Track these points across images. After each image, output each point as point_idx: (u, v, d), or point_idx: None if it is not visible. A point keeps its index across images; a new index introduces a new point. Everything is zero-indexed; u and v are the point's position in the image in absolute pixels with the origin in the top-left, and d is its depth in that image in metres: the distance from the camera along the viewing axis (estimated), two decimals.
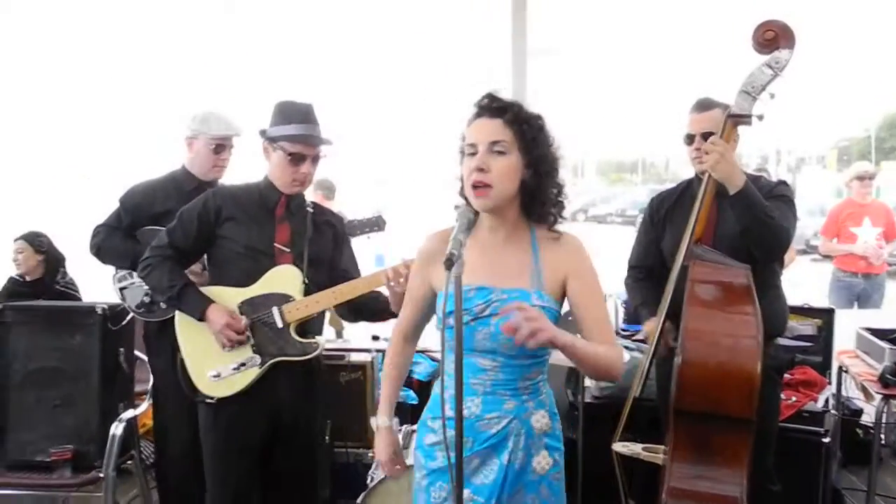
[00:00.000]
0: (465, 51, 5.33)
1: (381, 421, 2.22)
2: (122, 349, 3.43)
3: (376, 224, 3.56)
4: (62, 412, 3.34)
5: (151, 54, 5.39)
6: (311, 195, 6.32)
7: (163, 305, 3.26)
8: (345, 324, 4.11)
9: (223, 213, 2.83)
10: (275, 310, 2.79)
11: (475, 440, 1.98)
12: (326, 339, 4.02)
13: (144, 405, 3.60)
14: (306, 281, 2.81)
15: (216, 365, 2.80)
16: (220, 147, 3.42)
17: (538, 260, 2.01)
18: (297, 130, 2.80)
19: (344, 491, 3.75)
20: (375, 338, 3.97)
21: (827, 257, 6.78)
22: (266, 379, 2.80)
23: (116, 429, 3.26)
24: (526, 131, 1.97)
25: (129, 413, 3.38)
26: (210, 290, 2.85)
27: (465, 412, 1.83)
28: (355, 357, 4.06)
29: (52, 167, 5.58)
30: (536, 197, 2.00)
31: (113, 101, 5.58)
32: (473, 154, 1.95)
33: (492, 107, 1.98)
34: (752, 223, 2.73)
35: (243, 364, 2.79)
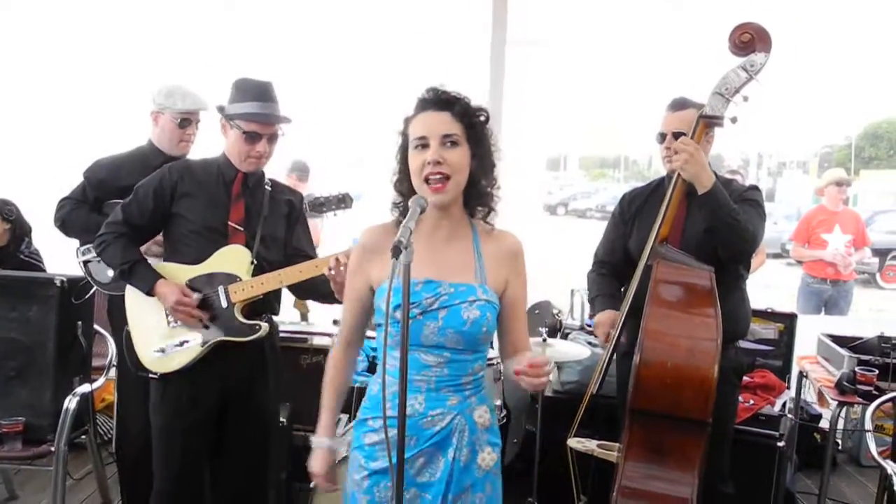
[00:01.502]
0: (444, 38, 5.28)
1: (319, 442, 2.12)
2: (80, 323, 3.38)
3: (343, 201, 3.52)
4: (16, 384, 3.30)
5: (128, 29, 5.31)
6: (284, 177, 6.32)
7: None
8: (310, 307, 4.08)
9: (179, 188, 2.81)
10: (220, 289, 2.78)
11: (419, 438, 1.94)
12: (290, 321, 4.03)
13: (101, 380, 3.56)
14: (254, 261, 2.80)
15: (161, 341, 2.81)
16: (186, 122, 3.39)
17: (480, 255, 2.01)
18: (253, 108, 2.78)
19: (301, 474, 3.71)
20: (337, 322, 3.93)
21: (799, 262, 6.84)
22: (214, 358, 2.79)
23: (70, 403, 3.22)
24: (475, 124, 1.97)
25: (84, 387, 3.34)
26: (161, 267, 2.85)
27: (408, 410, 1.79)
28: (317, 340, 4.03)
29: (19, 137, 5.47)
30: (479, 190, 2.00)
31: (82, 73, 5.49)
32: (424, 146, 1.92)
33: (439, 99, 1.96)
34: (719, 224, 2.73)
35: (186, 341, 2.79)
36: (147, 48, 5.32)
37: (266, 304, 2.87)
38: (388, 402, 1.78)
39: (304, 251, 2.97)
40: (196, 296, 2.77)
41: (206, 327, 2.78)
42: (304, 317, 4.18)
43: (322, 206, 3.55)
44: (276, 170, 6.37)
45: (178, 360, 2.79)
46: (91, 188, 3.38)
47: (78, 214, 3.37)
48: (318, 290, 2.85)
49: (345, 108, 6.54)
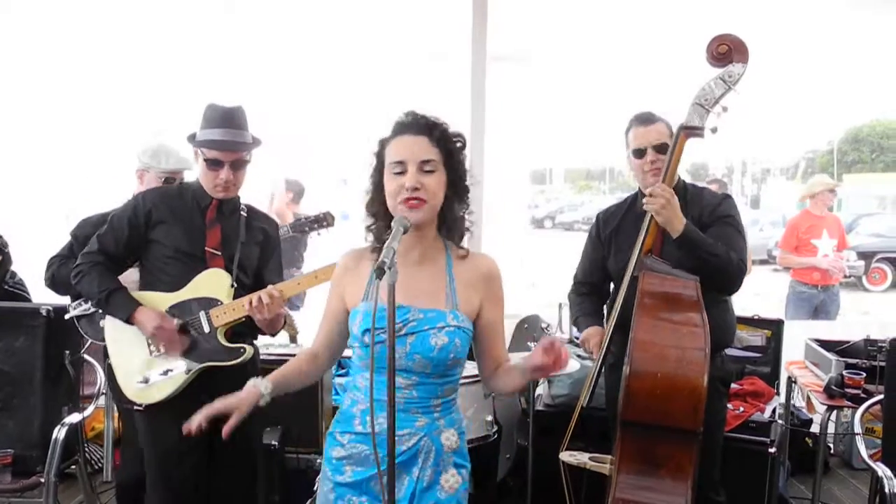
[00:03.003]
0: (426, 56, 5.32)
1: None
2: (67, 352, 3.35)
3: (324, 220, 3.56)
4: (3, 415, 3.27)
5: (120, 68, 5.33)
6: (280, 197, 6.30)
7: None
8: (299, 328, 4.07)
9: (153, 216, 2.79)
10: (202, 314, 2.76)
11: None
12: (279, 343, 4.02)
13: (90, 409, 3.53)
14: (234, 284, 2.79)
15: (144, 371, 2.77)
16: (171, 181, 3.40)
17: (453, 280, 2.02)
18: (214, 135, 2.77)
19: (295, 497, 3.71)
20: None
21: (786, 269, 6.86)
22: (199, 385, 2.74)
23: (59, 433, 3.19)
24: (452, 150, 1.99)
25: (74, 417, 3.31)
26: (139, 296, 2.80)
27: (377, 428, 1.80)
28: None
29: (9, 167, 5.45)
30: (454, 215, 2.02)
31: (74, 92, 5.48)
32: (402, 172, 1.93)
33: (418, 124, 1.97)
34: (699, 263, 2.74)
35: (170, 370, 2.75)
36: (143, 65, 5.33)
37: (248, 328, 2.84)
38: (358, 419, 1.94)
39: (273, 283, 2.89)
40: (176, 321, 2.73)
41: (188, 354, 2.75)
42: (293, 339, 4.16)
43: (304, 226, 3.58)
44: (264, 189, 6.37)
45: (162, 389, 2.75)
46: (78, 245, 3.34)
47: (66, 271, 3.32)
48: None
49: (330, 126, 6.56)
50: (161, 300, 2.78)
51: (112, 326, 2.83)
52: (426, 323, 1.94)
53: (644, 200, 2.79)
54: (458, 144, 2.02)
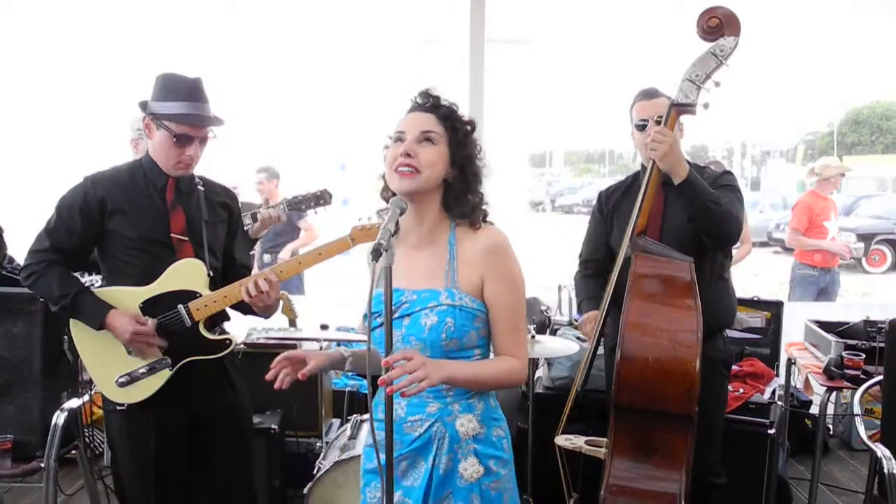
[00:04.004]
0: (424, 37, 5.30)
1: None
2: (65, 337, 3.34)
3: (321, 198, 3.45)
4: (3, 401, 3.26)
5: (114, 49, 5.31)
6: (254, 177, 6.22)
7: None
8: (297, 312, 4.07)
9: (108, 204, 2.57)
10: (181, 308, 2.60)
11: (402, 442, 1.94)
12: (278, 327, 4.02)
13: (90, 394, 3.52)
14: (211, 273, 2.65)
15: (123, 368, 2.60)
16: None
17: (454, 257, 1.96)
18: (183, 109, 2.55)
19: (294, 480, 3.72)
20: (324, 327, 3.93)
21: (789, 250, 6.82)
22: (178, 378, 2.63)
23: (58, 418, 3.17)
24: (458, 129, 1.97)
25: (73, 402, 3.30)
26: (107, 293, 2.61)
27: (398, 414, 1.81)
28: (306, 346, 4.03)
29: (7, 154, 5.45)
30: (461, 200, 1.97)
31: (72, 82, 5.47)
32: (400, 140, 1.92)
33: (427, 102, 1.98)
34: (700, 211, 2.72)
35: (153, 367, 2.60)
36: (141, 56, 5.31)
37: (220, 314, 2.72)
38: (380, 406, 1.83)
39: (242, 261, 2.86)
40: (151, 322, 2.57)
41: (169, 349, 2.61)
42: (292, 322, 4.16)
43: (300, 203, 3.50)
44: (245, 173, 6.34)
45: (147, 386, 2.60)
46: None
47: None
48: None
49: (328, 112, 6.55)
50: (132, 296, 2.59)
51: (79, 326, 2.63)
52: (418, 304, 1.91)
53: (648, 146, 2.74)
54: (467, 127, 2.00)
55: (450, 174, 1.95)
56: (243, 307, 2.70)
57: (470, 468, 1.93)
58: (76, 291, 2.58)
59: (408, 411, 1.95)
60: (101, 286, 2.72)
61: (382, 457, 1.76)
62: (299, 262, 2.67)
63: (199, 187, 2.74)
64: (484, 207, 2.01)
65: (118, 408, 2.63)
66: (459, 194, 1.96)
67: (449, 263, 1.95)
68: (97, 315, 2.55)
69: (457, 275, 1.94)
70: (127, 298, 2.60)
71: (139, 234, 2.59)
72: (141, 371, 2.60)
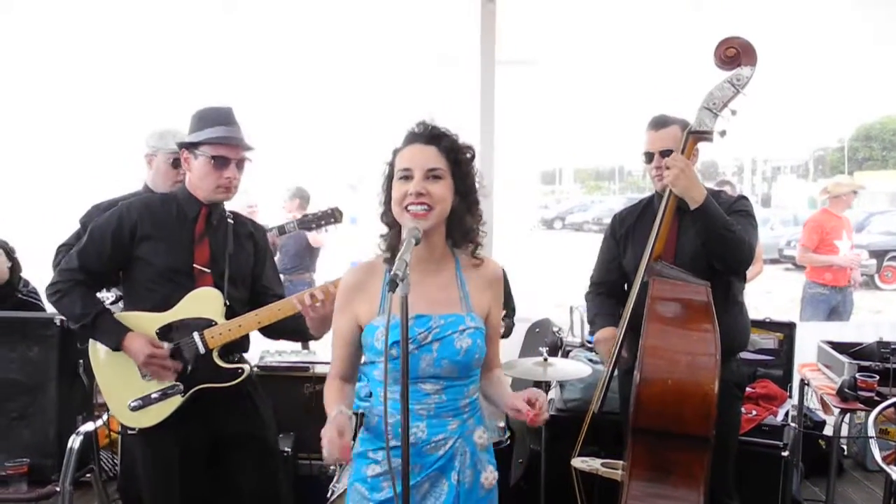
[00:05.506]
0: (435, 58, 5.33)
1: (331, 411, 2.00)
2: (81, 361, 3.37)
3: (332, 216, 3.49)
4: (19, 425, 3.28)
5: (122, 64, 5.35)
6: (285, 204, 6.32)
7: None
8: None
9: (139, 231, 2.64)
10: (196, 336, 2.65)
11: (423, 465, 1.97)
12: (291, 350, 4.03)
13: (104, 417, 3.54)
14: (227, 303, 2.69)
15: (137, 393, 2.65)
16: (178, 161, 3.38)
17: (464, 283, 2.07)
18: (218, 132, 2.65)
19: (308, 502, 3.72)
20: None
21: (801, 268, 6.79)
22: (194, 404, 2.67)
23: (74, 442, 3.19)
24: (461, 161, 2.01)
25: (88, 426, 3.32)
26: (125, 317, 2.68)
27: (411, 438, 1.83)
28: (319, 369, 4.04)
29: (12, 171, 5.48)
30: (462, 225, 2.04)
31: (76, 99, 5.51)
32: (408, 178, 1.96)
33: (428, 134, 2.01)
34: (713, 237, 2.75)
35: (166, 393, 2.65)
36: (149, 73, 5.35)
37: (237, 343, 2.76)
38: (391, 433, 1.85)
39: (274, 290, 2.89)
40: (167, 346, 2.63)
41: (182, 376, 2.66)
42: (304, 345, 4.18)
43: (312, 222, 3.55)
44: (273, 197, 6.41)
45: (159, 411, 2.65)
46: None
47: None
48: (287, 328, 2.75)
49: (339, 132, 6.58)
50: (149, 321, 2.66)
51: (96, 347, 2.71)
52: (448, 328, 1.98)
53: (659, 176, 2.86)
54: (468, 156, 2.04)
55: (455, 202, 2.01)
56: (272, 331, 2.78)
57: (490, 476, 2.07)
58: (97, 312, 2.64)
59: (429, 432, 1.98)
60: (112, 302, 2.82)
61: (399, 484, 1.75)
62: (293, 303, 2.64)
63: (229, 220, 2.81)
64: (479, 228, 2.09)
65: (129, 432, 2.70)
66: (462, 219, 2.03)
67: (461, 290, 2.06)
68: (115, 336, 2.62)
69: (471, 300, 2.06)
70: (145, 323, 2.66)
71: (165, 263, 2.65)
72: (153, 396, 2.65)
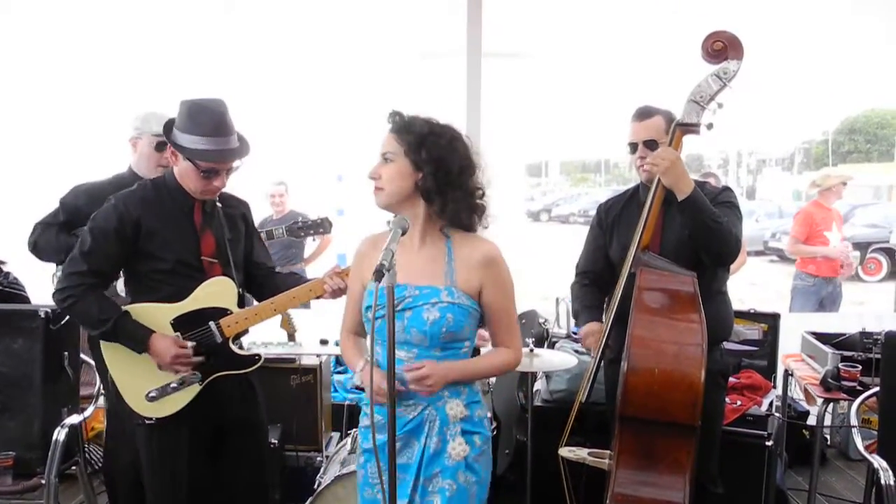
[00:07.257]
0: (421, 50, 5.33)
1: (358, 363, 2.29)
2: (66, 353, 3.35)
3: (321, 227, 3.58)
4: (3, 418, 3.26)
5: (103, 51, 5.32)
6: (269, 192, 6.27)
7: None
8: (297, 326, 4.07)
9: (143, 226, 2.61)
10: (212, 325, 2.68)
11: (398, 424, 2.11)
12: (278, 342, 4.02)
13: (90, 410, 3.53)
14: (241, 291, 2.74)
15: (153, 384, 2.66)
16: (163, 144, 3.32)
17: (452, 259, 2.18)
18: (209, 145, 2.57)
19: (294, 495, 3.73)
20: (324, 342, 3.93)
21: (785, 259, 6.84)
22: (206, 392, 2.71)
23: (59, 434, 3.18)
24: (410, 140, 2.12)
25: (74, 418, 3.31)
26: (138, 310, 2.66)
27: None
28: (306, 360, 4.04)
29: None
30: (438, 199, 2.13)
31: (70, 88, 5.48)
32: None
33: (392, 121, 2.18)
34: (700, 228, 2.76)
35: (183, 382, 2.67)
36: (139, 63, 5.33)
37: (244, 330, 2.82)
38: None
39: (265, 264, 2.94)
40: (191, 344, 2.65)
41: (200, 365, 2.68)
42: (291, 337, 4.16)
43: (301, 230, 3.62)
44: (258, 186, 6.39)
45: (177, 401, 2.67)
46: (64, 212, 3.31)
47: (48, 236, 3.30)
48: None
49: (325, 124, 6.58)
50: (163, 313, 2.66)
51: (111, 344, 2.69)
52: (420, 299, 2.12)
53: (643, 167, 2.90)
54: (432, 138, 2.12)
55: (419, 178, 2.11)
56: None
57: (458, 447, 2.16)
58: (116, 317, 2.61)
59: (402, 396, 2.13)
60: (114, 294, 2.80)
61: (379, 437, 2.03)
62: (309, 289, 2.77)
63: (218, 203, 2.80)
64: (479, 203, 2.20)
65: (146, 422, 2.69)
66: (431, 191, 2.12)
67: (448, 264, 2.16)
68: (140, 340, 2.62)
69: (455, 275, 2.16)
70: (158, 314, 2.66)
71: (175, 257, 2.65)
72: (172, 386, 2.68)
